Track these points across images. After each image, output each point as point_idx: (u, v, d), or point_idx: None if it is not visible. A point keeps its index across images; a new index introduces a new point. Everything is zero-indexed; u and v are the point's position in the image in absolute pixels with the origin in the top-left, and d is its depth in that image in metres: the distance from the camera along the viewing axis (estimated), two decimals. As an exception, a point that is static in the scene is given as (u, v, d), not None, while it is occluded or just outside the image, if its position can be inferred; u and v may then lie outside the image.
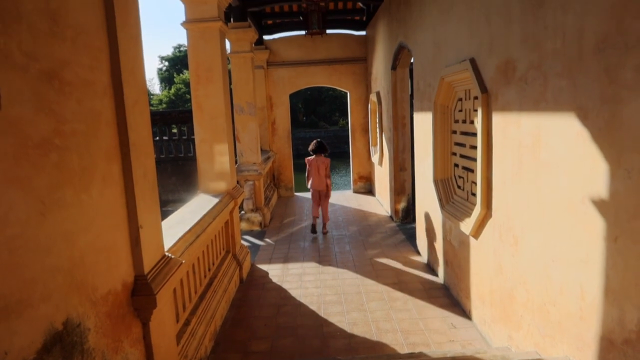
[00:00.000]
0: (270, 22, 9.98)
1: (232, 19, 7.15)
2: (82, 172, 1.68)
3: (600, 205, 1.94)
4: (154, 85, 46.96)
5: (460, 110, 3.99)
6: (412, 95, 6.34)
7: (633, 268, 1.76)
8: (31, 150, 1.38)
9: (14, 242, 1.28)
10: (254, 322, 3.96)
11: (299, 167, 11.19)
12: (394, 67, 6.80)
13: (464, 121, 3.91)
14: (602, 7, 1.85)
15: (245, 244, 6.05)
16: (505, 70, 2.82)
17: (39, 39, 1.44)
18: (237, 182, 5.46)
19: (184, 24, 4.56)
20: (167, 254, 2.50)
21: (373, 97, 8.64)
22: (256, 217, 7.24)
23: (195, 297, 3.41)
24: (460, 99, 3.98)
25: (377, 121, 8.40)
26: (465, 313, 3.88)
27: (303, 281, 4.79)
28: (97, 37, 1.84)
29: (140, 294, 2.09)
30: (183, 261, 2.62)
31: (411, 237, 6.16)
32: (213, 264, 4.08)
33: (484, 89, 3.16)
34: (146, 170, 2.22)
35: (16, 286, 1.29)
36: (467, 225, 3.60)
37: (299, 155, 11.90)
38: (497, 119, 3.02)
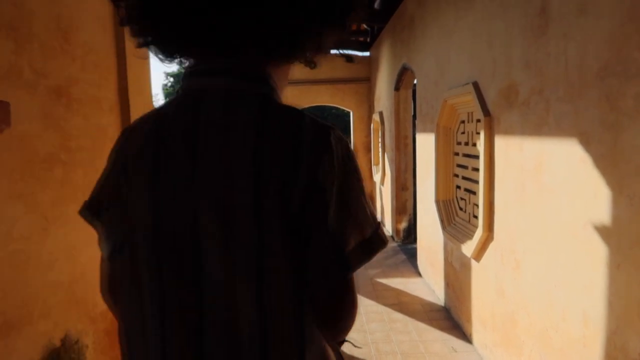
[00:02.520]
0: (275, 41, 10.11)
1: (238, 38, 7.24)
2: (86, 187, 1.69)
3: (603, 231, 1.94)
4: (159, 100, 47.39)
5: (463, 133, 4.02)
6: (414, 116, 6.39)
7: (636, 296, 1.75)
8: (37, 166, 1.40)
9: (16, 258, 1.29)
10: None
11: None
12: (397, 88, 6.86)
13: (467, 143, 3.93)
14: (603, 36, 1.88)
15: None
16: (507, 95, 2.85)
17: (50, 57, 1.47)
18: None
19: (190, 42, 4.63)
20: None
21: (376, 117, 8.70)
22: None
23: (193, 315, 3.38)
24: (463, 121, 4.00)
25: (380, 141, 8.44)
26: (465, 336, 3.83)
27: (303, 300, 4.74)
28: (106, 56, 1.87)
29: (140, 311, 2.08)
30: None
31: (412, 258, 6.13)
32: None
33: (486, 112, 3.19)
34: (149, 186, 2.23)
35: (17, 302, 1.29)
36: (468, 248, 3.59)
37: (301, 173, 11.95)
38: (500, 142, 3.04)
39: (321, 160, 0.68)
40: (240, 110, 0.71)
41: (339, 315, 0.75)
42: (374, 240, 0.75)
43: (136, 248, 0.72)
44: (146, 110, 2.18)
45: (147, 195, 0.71)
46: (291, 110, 0.74)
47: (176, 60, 0.81)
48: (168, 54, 0.79)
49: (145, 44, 0.79)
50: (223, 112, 0.71)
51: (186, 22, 0.72)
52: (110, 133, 1.90)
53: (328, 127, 0.73)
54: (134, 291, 0.73)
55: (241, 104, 0.72)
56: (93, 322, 1.71)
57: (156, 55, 0.80)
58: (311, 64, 0.92)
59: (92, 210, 0.81)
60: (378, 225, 0.77)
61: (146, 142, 0.74)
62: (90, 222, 0.82)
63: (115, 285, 0.80)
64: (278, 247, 0.67)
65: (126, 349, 0.76)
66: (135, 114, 2.07)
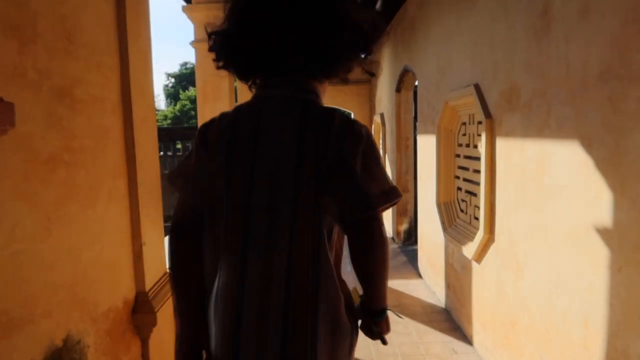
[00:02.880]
0: (277, 42, 10.14)
1: (239, 39, 7.26)
2: (88, 187, 1.69)
3: (604, 233, 1.94)
4: (160, 101, 47.37)
5: (464, 134, 4.02)
6: (415, 118, 6.39)
7: (637, 299, 1.75)
8: (40, 166, 1.40)
9: (19, 258, 1.29)
10: (253, 342, 3.92)
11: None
12: (398, 90, 6.87)
13: (468, 145, 3.93)
14: (605, 39, 1.88)
15: (246, 262, 6.03)
16: (509, 97, 2.85)
17: (54, 57, 1.47)
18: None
19: (193, 43, 4.65)
20: (169, 270, 2.49)
21: (377, 118, 8.70)
22: (258, 235, 7.23)
23: (194, 315, 3.38)
24: (464, 123, 4.01)
25: (381, 142, 8.44)
26: (466, 338, 3.83)
27: (303, 301, 4.74)
28: (109, 56, 1.88)
29: (141, 311, 2.08)
30: (184, 279, 2.61)
31: (413, 259, 6.13)
32: (213, 282, 4.06)
33: (488, 114, 3.19)
34: (152, 187, 2.23)
35: (19, 301, 1.29)
36: (469, 250, 3.59)
37: (302, 174, 11.95)
38: (501, 144, 3.04)
39: (346, 140, 0.97)
40: (290, 108, 1.03)
41: (371, 244, 1.01)
42: (391, 192, 1.00)
43: (214, 199, 1.03)
44: (148, 110, 2.18)
45: (224, 165, 1.02)
46: (327, 109, 1.05)
47: (249, 79, 1.14)
48: (242, 76, 1.14)
49: (225, 68, 1.13)
50: (278, 110, 1.03)
51: (255, 55, 1.04)
52: (112, 133, 1.90)
53: (352, 119, 1.02)
54: (212, 221, 1.05)
55: (291, 105, 1.04)
56: (95, 322, 1.72)
57: (233, 74, 1.14)
58: (344, 82, 1.22)
59: (171, 179, 1.15)
60: (393, 184, 1.02)
61: (225, 129, 1.05)
62: (172, 185, 1.15)
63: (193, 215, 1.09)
64: (308, 204, 0.96)
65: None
66: (138, 114, 2.08)
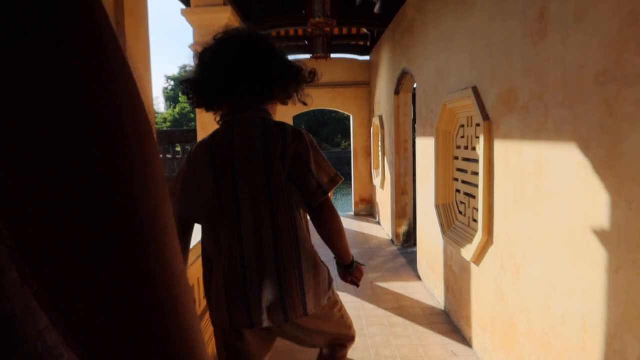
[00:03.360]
0: (276, 45, 10.15)
1: (238, 42, 7.28)
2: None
3: (602, 235, 1.95)
4: (159, 104, 47.45)
5: (462, 137, 4.03)
6: (414, 120, 6.40)
7: (635, 300, 1.76)
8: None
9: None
10: (252, 345, 3.91)
11: (301, 189, 11.19)
12: (397, 92, 6.88)
13: (466, 147, 3.94)
14: (602, 42, 1.90)
15: (245, 264, 6.03)
16: (507, 99, 2.86)
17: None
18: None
19: (192, 46, 4.66)
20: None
21: (376, 121, 8.72)
22: (257, 237, 7.23)
23: (193, 318, 3.38)
24: (463, 126, 4.02)
25: (380, 145, 8.46)
26: (465, 340, 3.83)
27: (302, 304, 4.74)
28: (108, 60, 1.88)
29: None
30: (183, 282, 2.61)
31: (412, 262, 6.13)
32: (213, 285, 4.05)
33: (486, 116, 3.20)
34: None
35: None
36: (468, 252, 3.59)
37: (301, 176, 11.96)
38: (499, 146, 3.05)
39: (300, 143, 1.39)
40: (254, 124, 1.42)
41: (328, 217, 1.43)
42: (336, 177, 1.44)
43: (209, 199, 1.38)
44: (148, 114, 2.19)
45: (210, 172, 1.38)
46: (279, 122, 1.43)
47: (216, 110, 1.53)
48: (210, 109, 1.53)
49: (197, 106, 1.50)
50: (245, 127, 1.42)
51: (219, 93, 1.42)
52: (111, 137, 1.91)
53: (300, 129, 1.43)
54: (214, 216, 1.41)
55: (254, 122, 1.43)
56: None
57: (201, 108, 1.52)
58: (284, 104, 1.57)
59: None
60: (336, 171, 1.46)
61: (207, 146, 1.43)
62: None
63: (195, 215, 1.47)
64: (280, 188, 1.35)
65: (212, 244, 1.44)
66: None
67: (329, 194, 1.39)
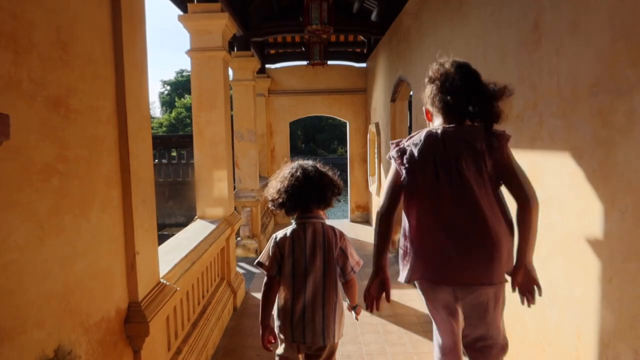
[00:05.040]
0: (273, 51, 10.20)
1: (235, 48, 7.31)
2: (82, 197, 1.69)
3: (595, 245, 1.96)
4: (155, 108, 47.42)
5: (458, 145, 4.04)
6: (410, 127, 6.42)
7: (628, 309, 1.77)
8: (34, 176, 1.40)
9: (11, 268, 1.29)
10: (247, 352, 3.90)
11: (297, 195, 11.19)
12: (393, 100, 6.91)
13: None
14: (595, 53, 1.92)
15: (241, 271, 6.01)
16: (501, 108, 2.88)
17: (49, 67, 1.48)
18: (235, 208, 5.47)
19: (188, 52, 4.66)
20: (162, 280, 2.49)
21: (372, 128, 8.74)
22: (252, 244, 7.21)
23: (188, 325, 3.37)
24: (458, 134, 4.03)
25: (376, 151, 8.47)
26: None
27: (297, 311, 4.72)
28: (104, 67, 1.89)
29: (134, 321, 2.07)
30: (178, 288, 2.61)
31: (407, 269, 6.12)
32: (207, 291, 4.04)
33: (481, 125, 3.22)
34: (146, 196, 2.23)
35: (11, 312, 1.29)
36: (463, 259, 3.59)
37: (297, 182, 11.95)
38: (494, 154, 3.06)
39: (343, 241, 2.08)
40: (318, 226, 2.04)
41: (352, 285, 2.15)
42: (359, 261, 2.13)
43: (289, 269, 2.03)
44: (143, 120, 2.19)
45: (291, 255, 2.05)
46: (330, 226, 2.04)
47: (291, 215, 2.10)
48: (289, 214, 2.09)
49: (280, 209, 2.07)
50: (313, 227, 2.03)
51: (298, 205, 2.03)
52: (107, 143, 1.91)
53: (340, 231, 2.08)
54: (291, 279, 2.04)
55: (317, 224, 2.04)
56: (87, 332, 1.71)
57: (281, 210, 2.09)
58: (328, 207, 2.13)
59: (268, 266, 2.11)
60: (359, 258, 2.14)
61: (288, 238, 2.04)
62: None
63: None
64: (332, 268, 2.02)
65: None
66: (133, 124, 2.08)
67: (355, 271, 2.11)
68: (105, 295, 1.88)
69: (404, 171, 1.87)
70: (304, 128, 40.47)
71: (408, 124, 6.92)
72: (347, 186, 10.77)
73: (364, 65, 10.02)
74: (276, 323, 2.14)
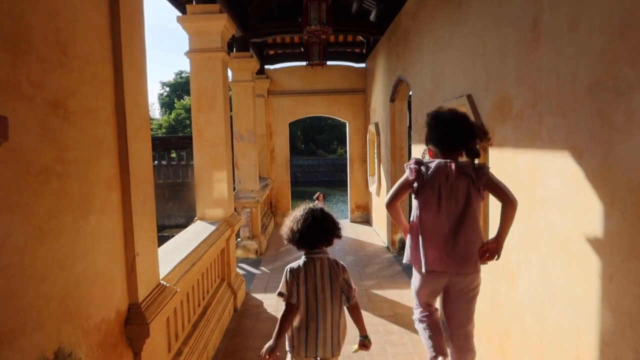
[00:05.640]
0: (272, 52, 10.20)
1: (234, 49, 7.30)
2: (81, 199, 1.69)
3: (595, 244, 1.96)
4: (155, 110, 47.39)
5: (458, 144, 4.04)
6: (410, 127, 6.43)
7: (628, 308, 1.77)
8: (33, 178, 1.40)
9: (10, 270, 1.28)
10: (247, 354, 3.89)
11: (297, 195, 11.21)
12: (392, 100, 6.91)
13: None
14: (594, 52, 1.92)
15: (241, 272, 6.00)
16: (501, 107, 2.88)
17: (47, 69, 1.48)
18: (235, 209, 5.46)
19: (187, 53, 4.66)
20: (162, 282, 2.48)
21: (371, 128, 8.75)
22: (252, 244, 7.21)
23: (188, 326, 3.36)
24: (458, 133, 4.03)
25: (375, 152, 8.47)
26: (461, 348, 3.82)
27: (298, 312, 4.73)
28: (103, 68, 1.88)
29: (134, 322, 2.07)
30: (178, 290, 2.60)
31: (407, 269, 6.12)
32: (207, 292, 4.04)
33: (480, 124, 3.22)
34: (145, 198, 2.23)
35: (10, 314, 1.28)
36: (463, 259, 3.59)
37: (297, 182, 11.90)
38: (494, 154, 3.07)
39: (345, 273, 2.33)
40: (324, 260, 2.32)
41: (355, 307, 2.37)
42: (355, 289, 2.36)
43: (304, 298, 2.29)
44: (142, 121, 2.19)
45: (304, 286, 2.32)
46: (335, 260, 2.33)
47: (302, 250, 2.36)
48: (300, 249, 2.35)
49: (293, 244, 2.34)
50: (321, 262, 2.31)
51: (307, 244, 2.32)
52: (106, 144, 1.90)
53: (343, 264, 2.36)
54: (307, 306, 2.31)
55: (324, 258, 2.33)
56: (87, 334, 1.70)
57: (294, 245, 2.37)
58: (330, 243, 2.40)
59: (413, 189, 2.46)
60: (355, 287, 2.37)
61: (301, 270, 2.30)
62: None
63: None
64: (337, 295, 2.31)
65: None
66: (132, 125, 2.08)
67: (356, 298, 2.38)
68: (105, 297, 1.88)
69: (416, 183, 2.39)
70: (303, 128, 40.45)
71: (408, 124, 6.92)
72: (346, 186, 10.76)
73: (363, 65, 10.02)
74: (287, 342, 2.43)
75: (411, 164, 2.42)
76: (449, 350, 2.60)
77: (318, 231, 2.30)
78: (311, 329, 2.28)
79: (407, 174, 2.43)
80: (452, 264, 2.36)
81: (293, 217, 2.34)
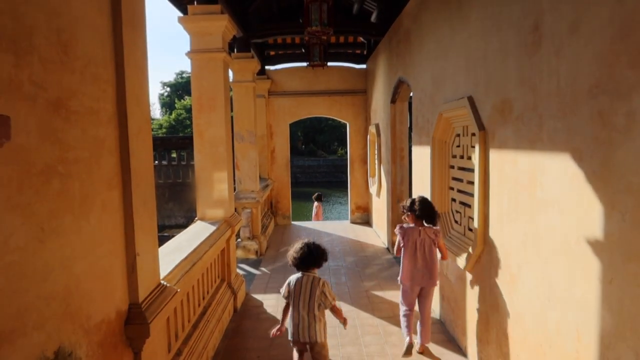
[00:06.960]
0: (272, 53, 10.21)
1: (235, 50, 7.31)
2: (82, 198, 1.69)
3: (596, 246, 1.96)
4: (155, 110, 47.38)
5: (458, 146, 4.05)
6: (410, 128, 6.43)
7: (628, 310, 1.77)
8: (34, 177, 1.40)
9: (12, 269, 1.29)
10: (247, 354, 3.89)
11: (297, 195, 11.22)
12: (393, 101, 6.91)
13: (462, 157, 3.96)
14: (594, 55, 1.92)
15: (241, 272, 6.00)
16: (502, 109, 2.88)
17: (49, 69, 1.48)
18: (235, 210, 5.46)
19: (188, 53, 4.66)
20: (162, 282, 2.49)
21: (372, 129, 8.75)
22: (252, 245, 7.21)
23: (188, 327, 3.36)
24: (458, 135, 4.04)
25: (376, 153, 8.48)
26: (461, 350, 3.83)
27: (297, 312, 4.72)
28: (104, 69, 1.89)
29: (134, 322, 2.07)
30: (178, 290, 2.60)
31: (407, 270, 6.12)
32: (207, 293, 4.04)
33: (481, 126, 3.22)
34: (146, 198, 2.23)
35: (11, 314, 1.28)
36: (463, 261, 3.60)
37: (297, 183, 11.88)
38: (494, 156, 3.07)
39: (324, 287, 3.12)
40: (312, 277, 3.14)
41: (335, 310, 3.19)
42: (334, 298, 3.17)
43: (289, 299, 3.17)
44: (143, 121, 2.19)
45: (293, 291, 3.14)
46: (318, 277, 3.16)
47: (302, 269, 3.19)
48: (298, 270, 3.18)
49: (294, 266, 3.19)
50: (307, 279, 3.14)
51: (302, 266, 3.17)
52: (107, 144, 1.91)
53: (324, 280, 3.16)
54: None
55: (312, 276, 3.15)
56: (87, 334, 1.71)
57: (295, 267, 3.21)
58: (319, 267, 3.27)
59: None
60: (334, 296, 3.21)
61: (295, 282, 3.15)
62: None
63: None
64: (314, 303, 3.09)
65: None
66: (133, 125, 2.08)
67: (334, 304, 3.12)
68: (105, 297, 1.88)
69: (402, 239, 3.77)
70: (304, 129, 40.45)
71: (408, 125, 6.92)
72: (346, 187, 10.75)
73: (363, 66, 10.03)
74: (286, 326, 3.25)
75: (397, 230, 3.84)
76: (415, 335, 3.84)
77: (310, 258, 3.13)
78: (295, 319, 3.08)
79: (398, 235, 3.82)
80: (422, 280, 3.75)
81: (294, 249, 3.20)
